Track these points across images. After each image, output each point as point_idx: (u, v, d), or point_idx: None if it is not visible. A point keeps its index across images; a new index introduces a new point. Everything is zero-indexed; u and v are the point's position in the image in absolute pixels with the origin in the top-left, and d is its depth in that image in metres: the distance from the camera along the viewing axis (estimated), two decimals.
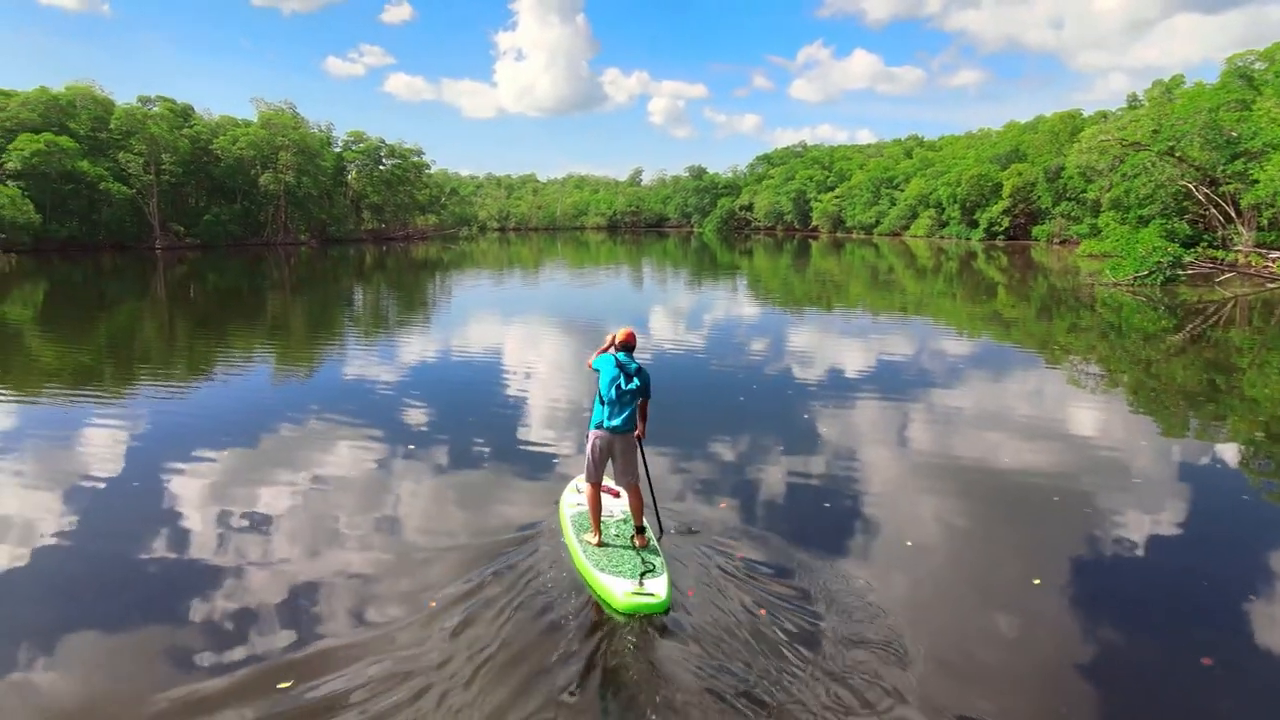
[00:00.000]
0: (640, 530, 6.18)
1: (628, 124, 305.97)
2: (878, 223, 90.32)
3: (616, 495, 6.86)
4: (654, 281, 38.07)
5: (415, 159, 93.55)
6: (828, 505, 7.55)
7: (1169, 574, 6.25)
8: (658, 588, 5.41)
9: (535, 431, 10.10)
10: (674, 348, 16.97)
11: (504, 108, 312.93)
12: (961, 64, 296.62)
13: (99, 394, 12.58)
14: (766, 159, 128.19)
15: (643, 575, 5.57)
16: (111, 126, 61.86)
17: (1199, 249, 35.92)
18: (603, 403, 6.07)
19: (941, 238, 76.86)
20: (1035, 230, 65.27)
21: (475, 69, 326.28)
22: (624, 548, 6.05)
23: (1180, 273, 29.06)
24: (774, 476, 8.32)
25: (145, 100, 68.83)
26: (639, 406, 6.22)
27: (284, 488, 7.89)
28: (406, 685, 4.45)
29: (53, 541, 6.61)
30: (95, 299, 29.11)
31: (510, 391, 12.78)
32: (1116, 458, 9.12)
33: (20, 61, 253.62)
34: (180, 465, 8.57)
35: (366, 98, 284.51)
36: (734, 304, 27.18)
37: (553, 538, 6.51)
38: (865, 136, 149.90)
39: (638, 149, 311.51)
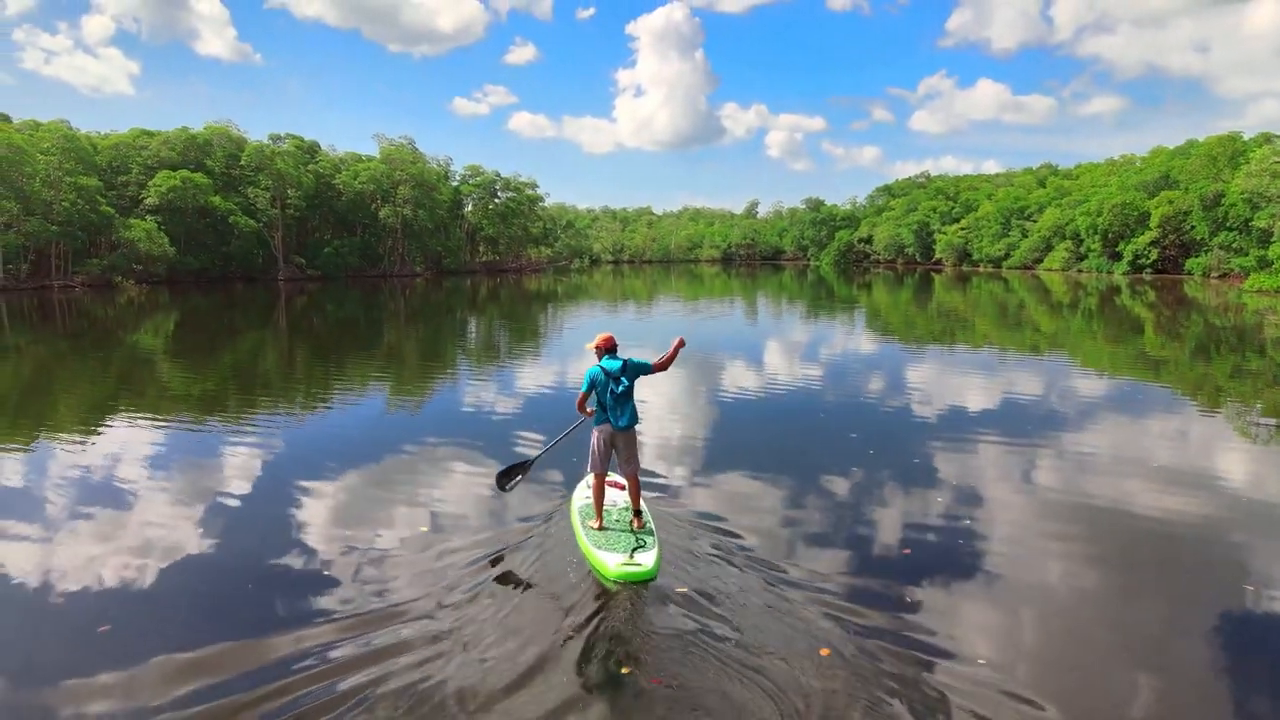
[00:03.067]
0: (638, 514, 6.96)
1: (745, 157, 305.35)
2: (1007, 255, 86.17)
3: (622, 488, 7.56)
4: (769, 315, 37.08)
5: (530, 192, 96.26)
6: (946, 550, 7.05)
7: None
8: (646, 559, 6.22)
9: (647, 462, 9.82)
10: (788, 382, 16.46)
11: (622, 142, 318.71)
12: (1095, 91, 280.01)
13: (227, 419, 13.08)
14: (887, 190, 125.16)
15: (634, 550, 6.37)
16: (242, 163, 66.46)
17: None
18: (604, 408, 6.86)
19: (1079, 271, 72.37)
20: (1189, 263, 60.49)
21: (595, 105, 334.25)
22: (622, 530, 6.82)
23: None
24: (889, 517, 7.88)
25: (275, 138, 73.69)
26: (660, 364, 6.95)
27: (386, 498, 8.66)
28: (435, 639, 5.27)
29: (191, 545, 7.24)
30: (223, 329, 30.75)
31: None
32: None
33: (182, 107, 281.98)
34: (298, 484, 9.08)
35: (491, 136, 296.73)
36: (851, 339, 25.93)
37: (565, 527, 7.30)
38: (991, 168, 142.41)
39: (754, 182, 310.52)
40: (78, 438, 11.65)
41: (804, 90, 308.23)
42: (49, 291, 49.99)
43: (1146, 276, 62.69)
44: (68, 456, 10.43)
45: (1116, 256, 67.82)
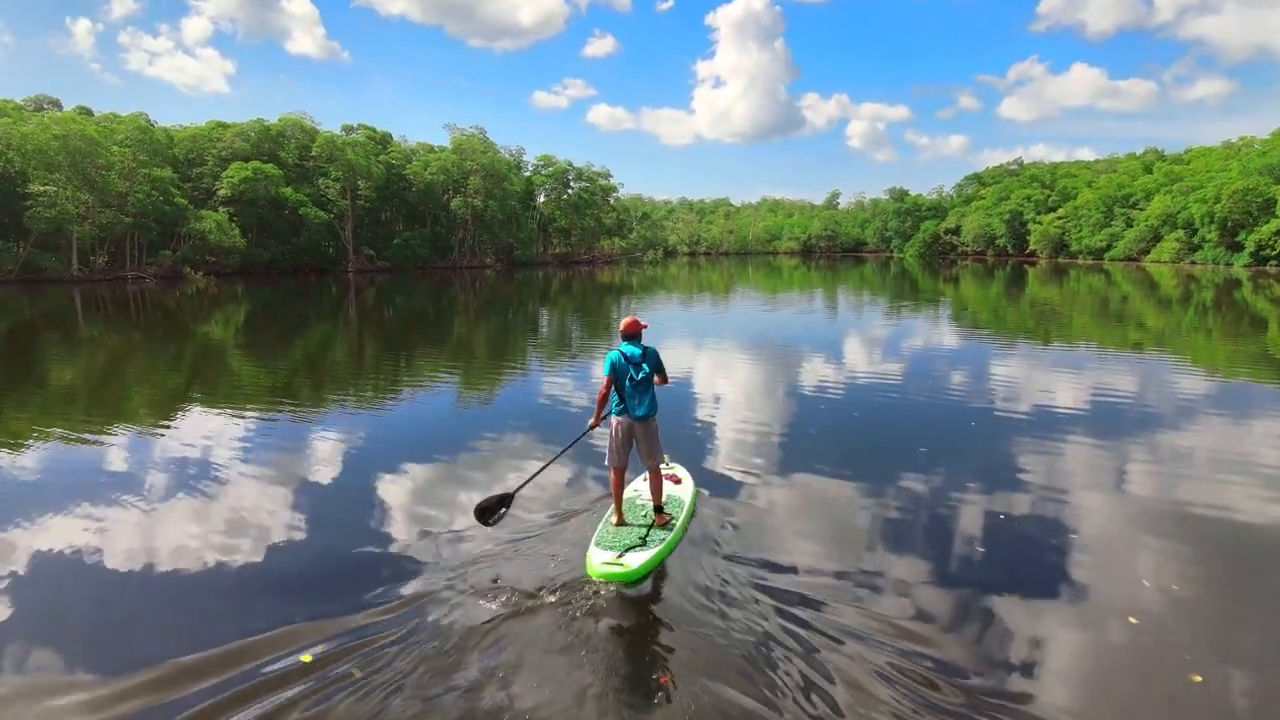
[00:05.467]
0: (658, 509, 6.85)
1: (825, 148, 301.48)
2: (1109, 246, 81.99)
3: (678, 482, 7.70)
4: (850, 309, 35.61)
5: (603, 182, 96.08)
6: (1032, 554, 6.78)
7: None
8: (635, 560, 6.00)
9: (724, 455, 9.84)
10: (866, 378, 15.82)
11: (701, 134, 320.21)
12: (1199, 75, 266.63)
13: (310, 409, 13.35)
14: (977, 178, 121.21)
15: (628, 549, 6.16)
16: (314, 153, 67.70)
17: None
18: (622, 397, 6.65)
19: (1192, 263, 68.18)
20: None
21: (674, 97, 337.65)
22: (640, 526, 6.66)
23: None
24: (968, 518, 7.55)
25: (348, 128, 75.01)
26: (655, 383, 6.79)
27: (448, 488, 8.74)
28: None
29: (267, 529, 7.49)
30: (289, 322, 30.94)
31: (700, 416, 12.23)
32: None
33: (273, 104, 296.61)
34: (365, 473, 9.28)
35: (570, 129, 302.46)
36: (934, 333, 24.41)
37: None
38: (1085, 156, 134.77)
39: (835, 174, 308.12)
40: (154, 427, 11.88)
41: (887, 79, 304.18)
42: (122, 283, 51.75)
43: (1272, 269, 58.36)
44: (146, 445, 10.68)
45: (1236, 247, 63.49)
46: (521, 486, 6.88)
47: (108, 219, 52.75)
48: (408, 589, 5.92)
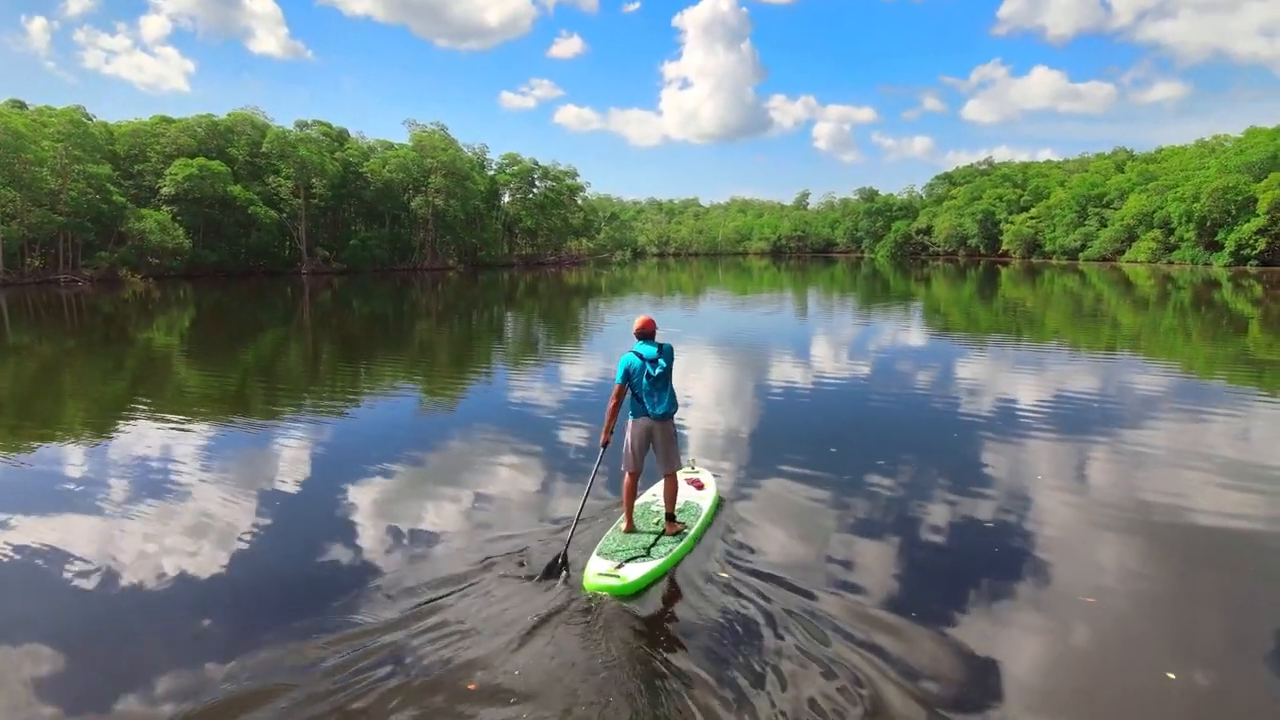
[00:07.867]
0: (670, 518, 6.67)
1: (793, 149, 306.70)
2: (1084, 246, 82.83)
3: (700, 487, 7.50)
4: (820, 310, 35.47)
5: (570, 181, 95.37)
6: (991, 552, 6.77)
7: None
8: (633, 572, 5.78)
9: (740, 461, 9.69)
10: (833, 377, 16.00)
11: (669, 135, 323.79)
12: (1157, 78, 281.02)
13: (257, 421, 12.82)
14: (948, 178, 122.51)
15: (629, 559, 5.96)
16: (264, 149, 66.00)
17: None
18: (639, 397, 6.59)
19: (1169, 263, 69.02)
20: None
21: (642, 98, 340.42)
22: (649, 534, 6.51)
23: None
24: (932, 517, 7.48)
25: (302, 124, 73.23)
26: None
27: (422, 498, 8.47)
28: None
29: (226, 541, 7.17)
30: (240, 327, 29.81)
31: (708, 420, 11.94)
32: None
33: (235, 104, 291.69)
34: (324, 482, 9.01)
35: (538, 130, 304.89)
36: (905, 334, 24.25)
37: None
38: (1047, 157, 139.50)
39: (803, 175, 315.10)
40: (87, 440, 11.38)
41: (853, 80, 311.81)
42: (54, 287, 49.81)
43: (1251, 269, 58.97)
44: (77, 460, 10.18)
45: (1215, 246, 64.17)
46: (566, 547, 6.23)
47: (37, 218, 50.67)
48: (377, 615, 5.49)
